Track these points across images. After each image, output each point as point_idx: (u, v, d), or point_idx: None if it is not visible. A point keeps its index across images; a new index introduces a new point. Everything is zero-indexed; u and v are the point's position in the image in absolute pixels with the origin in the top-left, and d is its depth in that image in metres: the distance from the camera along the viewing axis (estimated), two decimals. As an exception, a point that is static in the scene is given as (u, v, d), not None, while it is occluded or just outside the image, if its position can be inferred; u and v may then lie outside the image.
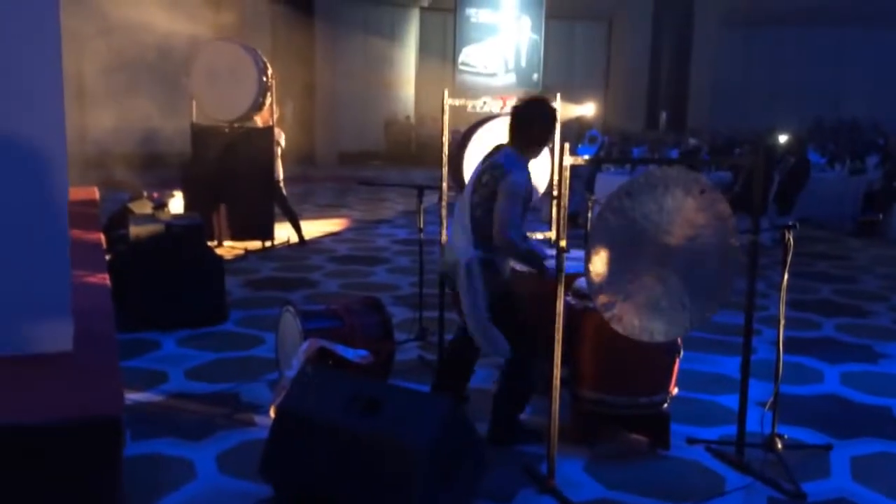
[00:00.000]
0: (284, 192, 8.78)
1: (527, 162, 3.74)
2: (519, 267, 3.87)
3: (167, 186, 8.40)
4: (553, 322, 3.29)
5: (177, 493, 3.26)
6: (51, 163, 2.52)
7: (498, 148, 3.78)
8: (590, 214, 4.83)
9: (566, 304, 3.60)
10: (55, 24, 2.46)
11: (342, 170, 17.22)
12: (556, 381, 3.33)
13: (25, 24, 2.42)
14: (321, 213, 11.49)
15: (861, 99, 20.13)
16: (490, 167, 3.67)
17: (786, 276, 3.57)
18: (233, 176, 8.21)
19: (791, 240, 3.52)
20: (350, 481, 2.99)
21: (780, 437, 3.70)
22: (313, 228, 9.75)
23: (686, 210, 3.25)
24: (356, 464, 2.99)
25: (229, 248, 8.36)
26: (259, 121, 8.71)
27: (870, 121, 18.91)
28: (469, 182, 3.82)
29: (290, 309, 4.34)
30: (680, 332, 3.46)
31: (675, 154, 12.59)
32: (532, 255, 3.64)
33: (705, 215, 3.28)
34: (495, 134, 4.35)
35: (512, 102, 4.76)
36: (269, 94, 8.56)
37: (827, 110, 19.88)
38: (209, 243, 6.92)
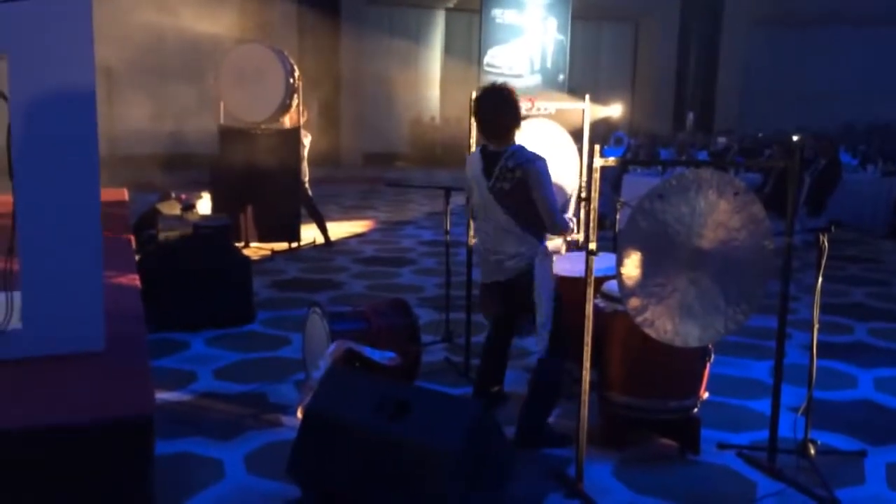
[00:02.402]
0: (310, 193, 8.81)
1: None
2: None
3: (195, 188, 8.48)
4: (583, 325, 3.26)
5: (205, 493, 3.28)
6: (84, 163, 2.54)
7: (488, 151, 3.72)
8: (617, 216, 4.79)
9: (595, 307, 3.57)
10: (88, 25, 2.48)
11: (367, 171, 17.26)
12: (586, 385, 3.30)
13: (60, 26, 2.44)
14: (347, 214, 11.53)
15: (893, 101, 19.78)
16: (504, 173, 3.63)
17: (820, 280, 3.51)
18: (260, 177, 8.26)
19: (826, 243, 3.46)
20: (377, 484, 2.98)
21: (813, 442, 3.64)
22: (339, 230, 9.78)
23: (719, 212, 3.21)
24: (384, 466, 2.98)
25: (256, 249, 8.41)
26: (287, 122, 8.76)
27: (902, 122, 18.58)
28: (479, 189, 3.74)
29: (318, 310, 4.35)
30: (714, 337, 3.41)
31: (703, 156, 12.46)
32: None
33: (739, 217, 3.24)
34: (521, 134, 4.31)
35: (540, 104, 4.75)
36: (295, 95, 8.59)
37: (858, 111, 19.56)
38: (236, 244, 6.97)
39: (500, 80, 4.41)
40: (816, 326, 3.58)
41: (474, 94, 3.78)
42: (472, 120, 4.75)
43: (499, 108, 3.68)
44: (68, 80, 2.49)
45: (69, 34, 2.47)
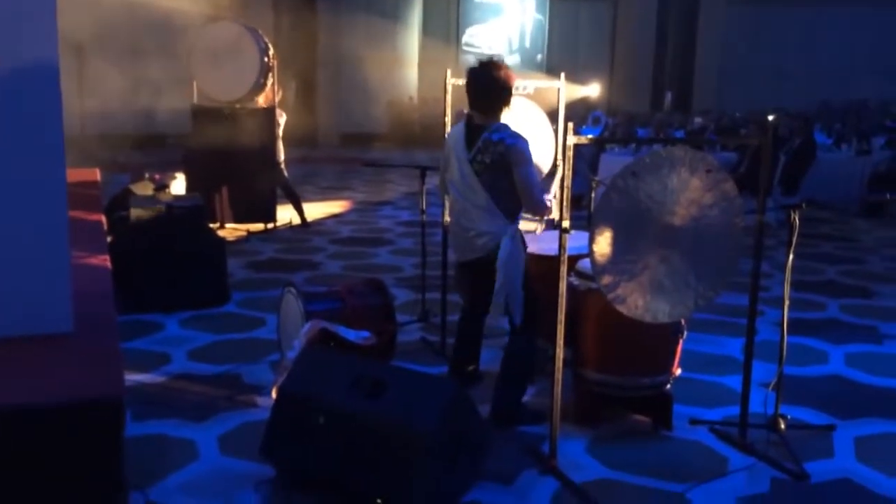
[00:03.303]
0: (286, 173, 8.74)
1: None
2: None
3: (169, 168, 8.38)
4: (556, 302, 3.27)
5: (179, 474, 3.27)
6: (48, 140, 2.49)
7: (473, 124, 3.72)
8: (593, 195, 4.80)
9: (569, 285, 3.58)
10: (50, 2, 2.43)
11: (345, 151, 17.16)
12: (559, 363, 3.31)
13: (19, 2, 2.39)
14: (324, 194, 11.47)
15: (870, 80, 19.95)
16: (487, 145, 3.64)
17: (790, 257, 3.54)
18: (234, 157, 8.17)
19: (797, 220, 3.48)
20: (352, 463, 2.99)
21: (784, 417, 3.69)
22: (316, 210, 9.73)
23: (691, 190, 3.22)
24: (359, 445, 2.98)
25: (231, 230, 8.34)
26: (263, 101, 8.67)
27: (879, 102, 18.74)
28: (458, 163, 3.74)
29: (292, 290, 4.33)
30: (684, 313, 3.43)
31: (680, 135, 12.50)
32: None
33: (711, 195, 3.25)
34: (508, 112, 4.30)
35: (518, 82, 4.73)
36: (270, 74, 8.50)
37: (836, 91, 19.70)
38: (211, 225, 6.91)
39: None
40: (787, 303, 3.62)
41: (470, 67, 3.76)
42: (448, 99, 4.75)
43: (492, 82, 3.69)
44: (30, 54, 2.43)
45: (30, 7, 2.42)
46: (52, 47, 2.45)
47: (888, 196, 10.13)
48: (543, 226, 4.39)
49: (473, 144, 3.69)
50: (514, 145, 3.60)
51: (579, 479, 3.26)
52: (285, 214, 8.82)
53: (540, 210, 3.72)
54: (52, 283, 2.60)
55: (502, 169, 3.62)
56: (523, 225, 3.84)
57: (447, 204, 4.40)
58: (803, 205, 3.59)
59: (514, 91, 3.81)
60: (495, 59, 3.79)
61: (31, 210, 2.53)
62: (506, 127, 3.69)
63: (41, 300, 2.59)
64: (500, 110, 3.73)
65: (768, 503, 3.15)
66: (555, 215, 4.37)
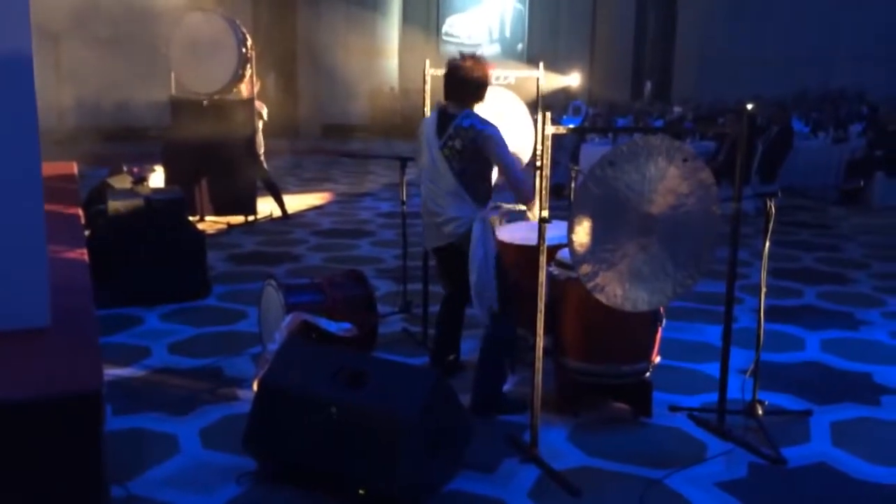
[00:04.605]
0: (266, 165, 8.70)
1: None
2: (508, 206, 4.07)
3: (147, 160, 8.30)
4: (536, 292, 3.28)
5: (160, 468, 3.26)
6: (22, 132, 2.47)
7: (446, 112, 3.77)
8: (573, 185, 4.82)
9: (549, 274, 3.60)
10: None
11: (326, 142, 17.09)
12: (539, 351, 3.33)
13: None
14: (305, 186, 11.42)
15: (849, 68, 20.10)
16: (458, 131, 3.67)
17: (767, 245, 3.58)
18: (214, 149, 8.11)
19: (773, 208, 3.52)
20: (334, 454, 2.99)
21: (761, 403, 3.74)
22: (296, 202, 9.69)
23: (669, 179, 3.24)
24: (340, 436, 2.99)
25: (211, 223, 8.29)
26: (244, 91, 8.60)
27: (855, 90, 18.92)
28: (429, 149, 3.77)
29: (273, 283, 4.32)
30: (663, 301, 3.46)
31: (660, 124, 12.56)
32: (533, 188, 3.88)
33: (688, 184, 3.28)
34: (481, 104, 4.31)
35: (499, 72, 4.74)
36: (249, 65, 8.44)
37: (815, 79, 19.84)
38: (191, 218, 6.86)
39: (458, 49, 4.41)
40: (764, 290, 3.66)
41: (449, 59, 3.80)
42: (426, 89, 4.75)
43: (468, 75, 3.74)
44: (2, 43, 2.40)
45: None
46: (25, 36, 2.42)
47: (861, 183, 10.25)
48: (502, 219, 4.31)
49: (445, 131, 3.72)
50: (484, 131, 3.64)
51: (560, 467, 3.29)
52: (266, 207, 8.78)
53: (525, 197, 3.75)
54: (28, 278, 2.58)
55: (472, 154, 3.66)
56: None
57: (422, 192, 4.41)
58: (779, 193, 3.63)
59: (492, 82, 3.84)
60: (473, 54, 3.85)
61: (6, 204, 2.50)
62: (475, 114, 3.74)
63: (18, 294, 2.57)
64: (473, 101, 3.78)
65: (746, 488, 3.19)
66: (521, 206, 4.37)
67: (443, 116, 3.78)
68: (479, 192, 3.72)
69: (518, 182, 3.71)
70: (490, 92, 3.86)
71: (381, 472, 2.89)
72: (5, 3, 2.38)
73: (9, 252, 2.54)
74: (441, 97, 3.93)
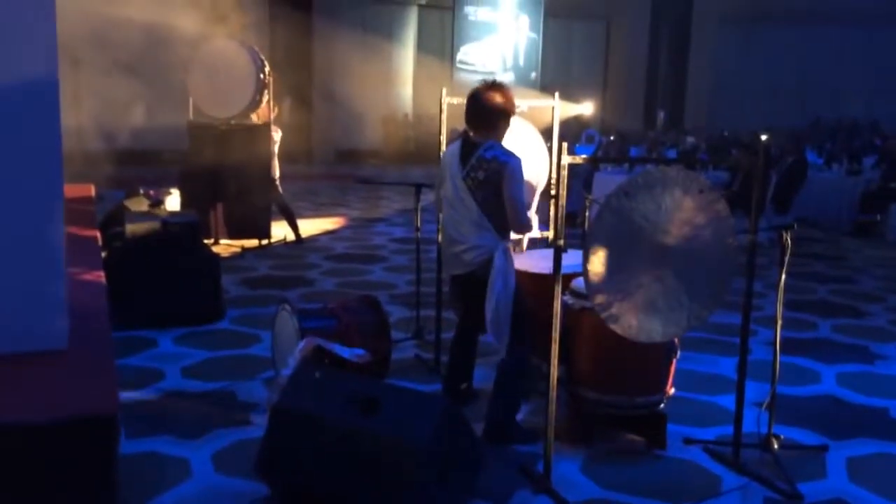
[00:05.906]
0: (281, 189, 8.76)
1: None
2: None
3: (164, 184, 8.38)
4: (550, 321, 3.28)
5: (172, 492, 3.25)
6: (46, 156, 2.51)
7: (469, 141, 3.79)
8: (587, 214, 4.82)
9: (563, 304, 3.60)
10: (51, 19, 2.44)
11: (340, 168, 17.19)
12: (553, 381, 3.32)
13: (20, 19, 2.41)
14: (318, 211, 11.48)
15: (860, 99, 20.13)
16: (481, 162, 3.69)
17: (783, 277, 3.57)
18: (230, 174, 8.19)
19: (789, 240, 3.51)
20: (346, 480, 2.98)
21: (777, 437, 3.70)
22: (310, 227, 9.74)
23: (684, 210, 3.25)
24: (353, 463, 2.98)
25: (226, 247, 8.34)
26: (258, 118, 8.70)
27: (868, 121, 18.91)
28: (452, 179, 3.80)
29: (287, 307, 4.33)
30: (677, 332, 3.45)
31: (673, 154, 12.58)
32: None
33: (704, 215, 3.28)
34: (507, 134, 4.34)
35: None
36: (266, 91, 8.54)
37: (826, 110, 19.87)
38: (206, 241, 6.91)
39: (472, 77, 4.45)
40: (780, 323, 3.64)
41: (473, 88, 3.84)
42: (442, 118, 4.78)
43: (491, 104, 3.77)
44: (30, 69, 2.45)
45: (31, 22, 2.43)
46: (51, 62, 2.47)
47: (878, 217, 10.21)
48: (525, 243, 4.39)
49: (468, 161, 3.74)
50: (507, 163, 3.66)
51: (573, 499, 3.26)
52: (280, 231, 8.83)
53: (523, 228, 3.83)
54: (47, 300, 2.61)
55: (494, 185, 3.68)
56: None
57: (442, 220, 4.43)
58: (795, 224, 3.62)
59: (515, 112, 3.88)
60: (496, 81, 3.87)
61: (29, 228, 2.54)
62: (499, 145, 3.76)
63: (36, 317, 2.59)
64: (497, 130, 3.80)
65: (762, 523, 3.15)
66: (535, 233, 4.40)
67: (466, 146, 3.80)
68: (500, 222, 3.73)
69: (520, 221, 3.72)
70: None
71: (392, 499, 2.88)
72: (34, 30, 2.43)
73: (29, 275, 2.57)
74: (456, 124, 3.96)
